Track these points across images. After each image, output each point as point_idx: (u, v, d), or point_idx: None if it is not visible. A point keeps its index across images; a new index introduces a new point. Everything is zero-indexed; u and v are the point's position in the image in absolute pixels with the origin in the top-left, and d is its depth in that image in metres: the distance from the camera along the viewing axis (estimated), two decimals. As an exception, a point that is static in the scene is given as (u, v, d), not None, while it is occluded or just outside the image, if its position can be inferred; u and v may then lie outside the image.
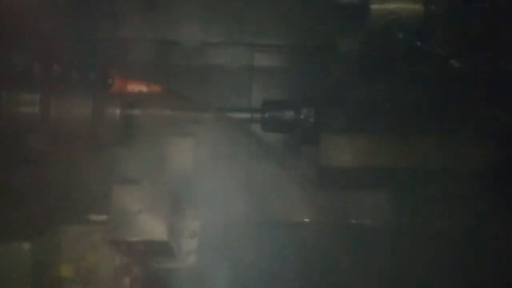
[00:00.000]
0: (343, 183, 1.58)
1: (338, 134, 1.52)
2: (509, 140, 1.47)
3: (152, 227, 1.35)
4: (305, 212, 1.60)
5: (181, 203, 1.45)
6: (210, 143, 1.50)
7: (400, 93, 1.53)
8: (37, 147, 1.38)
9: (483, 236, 1.54)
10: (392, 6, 1.42)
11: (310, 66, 1.60)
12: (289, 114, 1.51)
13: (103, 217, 1.39)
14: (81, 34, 1.52)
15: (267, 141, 1.57)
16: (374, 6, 1.41)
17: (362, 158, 1.52)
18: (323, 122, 1.51)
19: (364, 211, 1.61)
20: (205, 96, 1.55)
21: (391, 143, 1.53)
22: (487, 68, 1.42)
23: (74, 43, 1.48)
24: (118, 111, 1.45)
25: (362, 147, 1.53)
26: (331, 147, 1.52)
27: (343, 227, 1.59)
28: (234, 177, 1.51)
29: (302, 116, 1.51)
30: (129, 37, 1.61)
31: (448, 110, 1.51)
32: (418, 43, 1.41)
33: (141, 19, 1.59)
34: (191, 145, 1.48)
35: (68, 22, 1.47)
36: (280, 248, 1.55)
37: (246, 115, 1.52)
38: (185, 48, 1.63)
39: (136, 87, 1.51)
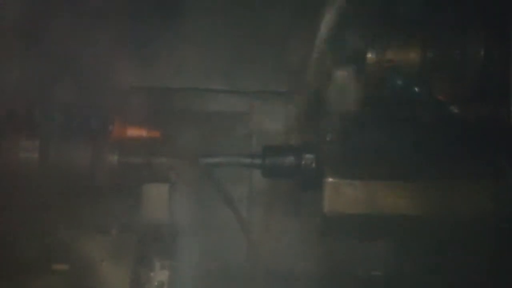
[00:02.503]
0: (346, 231, 1.54)
1: (340, 180, 1.49)
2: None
3: (114, 277, 1.32)
4: (305, 261, 1.56)
5: (151, 252, 1.41)
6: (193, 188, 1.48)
7: (404, 138, 1.51)
8: (34, 192, 1.37)
9: (494, 286, 1.49)
10: (388, 54, 1.43)
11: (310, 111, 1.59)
12: (289, 159, 1.49)
13: (65, 267, 1.35)
14: (82, 81, 1.53)
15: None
16: (370, 55, 1.42)
17: (366, 205, 1.49)
18: (325, 168, 1.49)
19: (369, 261, 1.57)
20: (205, 142, 1.54)
21: (397, 189, 1.49)
22: (487, 114, 1.41)
23: (76, 89, 1.49)
24: (116, 157, 1.44)
25: (366, 193, 1.49)
26: (334, 194, 1.49)
27: (346, 277, 1.55)
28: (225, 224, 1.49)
29: (303, 162, 1.49)
30: (130, 85, 1.62)
31: (454, 155, 1.49)
32: (417, 90, 1.41)
33: (142, 67, 1.61)
34: (166, 191, 1.46)
35: (70, 69, 1.49)
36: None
37: (246, 161, 1.50)
38: (186, 94, 1.63)
39: (136, 133, 1.52)
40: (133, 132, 1.52)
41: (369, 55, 1.43)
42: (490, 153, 1.42)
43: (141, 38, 1.60)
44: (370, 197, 1.47)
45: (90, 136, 1.44)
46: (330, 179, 1.47)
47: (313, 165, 1.48)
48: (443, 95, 1.42)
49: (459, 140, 1.45)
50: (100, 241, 1.36)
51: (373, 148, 1.51)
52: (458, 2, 1.47)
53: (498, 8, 1.38)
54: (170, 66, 1.63)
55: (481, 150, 1.43)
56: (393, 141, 1.49)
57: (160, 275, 1.41)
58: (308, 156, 1.49)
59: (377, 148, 1.51)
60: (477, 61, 1.43)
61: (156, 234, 1.42)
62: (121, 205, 1.43)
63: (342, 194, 1.47)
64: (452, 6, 1.47)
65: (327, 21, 1.43)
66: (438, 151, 1.47)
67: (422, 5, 1.50)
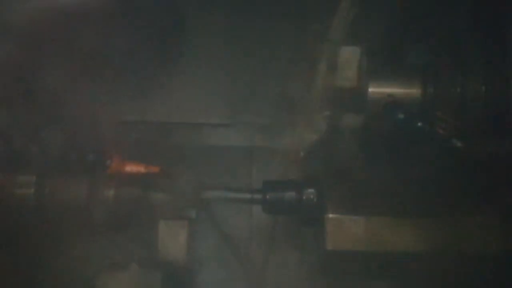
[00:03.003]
0: (348, 269, 1.51)
1: (342, 216, 1.47)
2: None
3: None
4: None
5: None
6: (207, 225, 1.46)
7: (407, 173, 1.49)
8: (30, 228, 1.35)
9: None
10: (389, 88, 1.42)
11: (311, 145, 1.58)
12: (290, 195, 1.47)
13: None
14: (81, 117, 1.52)
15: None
16: (371, 89, 1.41)
17: (368, 242, 1.46)
18: (327, 203, 1.46)
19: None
20: (205, 177, 1.52)
21: (400, 225, 1.47)
22: (491, 149, 1.39)
23: (74, 125, 1.48)
24: (113, 192, 1.42)
25: (369, 230, 1.47)
26: (336, 230, 1.46)
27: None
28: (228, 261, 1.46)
29: (304, 197, 1.47)
30: (130, 120, 1.61)
31: (459, 191, 1.46)
32: (419, 125, 1.40)
33: (141, 101, 1.60)
34: (185, 228, 1.43)
35: (69, 105, 1.48)
36: None
37: (246, 196, 1.48)
38: (186, 129, 1.62)
39: (135, 168, 1.50)
40: (131, 167, 1.50)
41: (370, 90, 1.42)
42: (495, 189, 1.40)
43: (140, 73, 1.60)
44: (374, 233, 1.44)
45: (86, 171, 1.42)
46: (332, 215, 1.45)
47: (315, 200, 1.46)
48: (446, 131, 1.41)
49: (464, 176, 1.43)
50: (119, 277, 1.33)
51: (376, 183, 1.49)
52: (458, 40, 1.47)
53: (498, 45, 1.38)
54: (169, 101, 1.62)
55: (486, 186, 1.41)
56: (396, 176, 1.48)
57: None
58: (310, 191, 1.47)
59: (380, 183, 1.49)
60: (478, 98, 1.42)
61: (173, 270, 1.39)
62: (140, 240, 1.40)
63: (344, 231, 1.45)
64: (452, 44, 1.48)
65: (326, 55, 1.44)
66: (442, 186, 1.45)
67: (423, 42, 1.50)
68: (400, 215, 1.44)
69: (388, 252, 1.45)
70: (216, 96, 1.64)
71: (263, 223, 1.56)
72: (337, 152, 1.53)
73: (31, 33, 1.40)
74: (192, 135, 1.64)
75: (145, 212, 1.45)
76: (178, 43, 1.64)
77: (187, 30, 1.64)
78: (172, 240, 1.41)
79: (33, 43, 1.37)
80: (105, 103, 1.56)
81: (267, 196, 1.47)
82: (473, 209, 1.43)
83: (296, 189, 1.46)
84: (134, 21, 1.54)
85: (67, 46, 1.44)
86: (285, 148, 1.59)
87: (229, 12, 1.63)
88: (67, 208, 1.40)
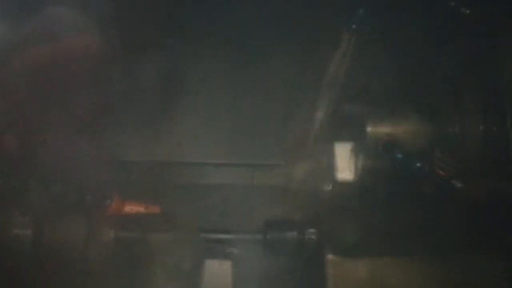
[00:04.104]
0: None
1: (344, 257, 1.44)
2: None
3: None
4: None
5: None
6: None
7: (408, 213, 1.47)
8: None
9: None
10: (387, 128, 1.42)
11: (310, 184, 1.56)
12: (291, 235, 1.45)
13: None
14: (82, 156, 1.51)
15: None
16: (369, 129, 1.40)
17: (371, 284, 1.43)
18: (328, 245, 1.44)
19: None
20: (205, 217, 1.51)
21: (402, 267, 1.44)
22: (491, 189, 1.38)
23: (74, 164, 1.48)
24: (112, 234, 1.40)
25: (371, 271, 1.44)
26: (337, 272, 1.44)
27: None
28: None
29: (305, 237, 1.45)
30: (131, 159, 1.61)
31: (460, 231, 1.44)
32: (418, 164, 1.39)
33: (142, 141, 1.60)
34: (229, 268, 1.42)
35: (69, 144, 1.47)
36: None
37: (247, 236, 1.46)
38: (186, 168, 1.62)
39: (135, 208, 1.49)
40: (132, 207, 1.49)
41: (368, 129, 1.42)
42: (497, 229, 1.38)
43: (141, 113, 1.60)
44: (376, 276, 1.42)
45: (85, 211, 1.41)
46: (333, 257, 1.43)
47: (316, 241, 1.44)
48: (445, 171, 1.40)
49: (465, 216, 1.41)
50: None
51: (378, 223, 1.47)
52: (455, 79, 1.47)
53: (496, 84, 1.38)
54: (170, 141, 1.62)
55: (487, 226, 1.39)
56: (397, 216, 1.46)
57: None
58: (311, 231, 1.45)
59: (382, 224, 1.47)
60: (476, 137, 1.42)
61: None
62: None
63: (346, 273, 1.42)
64: (448, 82, 1.48)
65: (326, 95, 1.44)
66: (443, 226, 1.43)
67: (419, 80, 1.51)
68: (402, 256, 1.43)
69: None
70: (216, 136, 1.63)
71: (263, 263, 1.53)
72: (338, 191, 1.52)
73: (34, 74, 1.40)
74: (193, 174, 1.63)
75: (145, 253, 1.43)
76: (179, 84, 1.65)
77: (188, 71, 1.65)
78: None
79: (32, 84, 1.37)
80: (105, 143, 1.56)
81: (268, 236, 1.45)
82: (474, 249, 1.41)
83: (297, 229, 1.45)
84: (135, 62, 1.55)
85: (68, 87, 1.45)
86: (286, 187, 1.58)
87: (229, 52, 1.64)
88: (65, 249, 1.38)
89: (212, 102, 1.64)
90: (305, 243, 1.45)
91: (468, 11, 1.37)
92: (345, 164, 1.49)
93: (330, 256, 1.43)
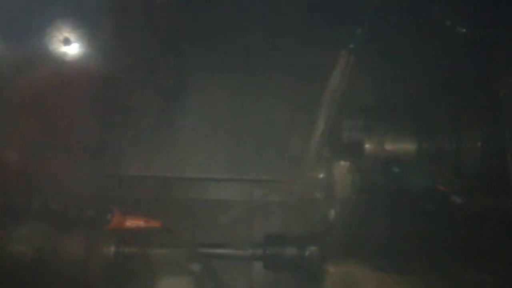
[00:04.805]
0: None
1: (344, 273, 1.44)
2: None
3: None
4: None
5: None
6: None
7: (408, 228, 1.47)
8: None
9: None
10: (385, 144, 1.42)
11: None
12: (292, 251, 1.45)
13: None
14: (83, 171, 1.51)
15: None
16: (368, 145, 1.41)
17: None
18: (328, 259, 1.44)
19: None
20: (205, 232, 1.51)
21: (402, 282, 1.44)
22: (489, 205, 1.38)
23: (75, 180, 1.48)
24: (112, 248, 1.41)
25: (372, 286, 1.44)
26: (336, 287, 1.44)
27: None
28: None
29: (306, 253, 1.44)
30: (132, 175, 1.61)
31: (458, 247, 1.44)
32: (416, 179, 1.39)
33: (144, 157, 1.60)
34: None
35: (70, 160, 1.48)
36: None
37: (247, 252, 1.46)
38: (186, 184, 1.62)
39: (135, 223, 1.49)
40: (132, 222, 1.49)
41: (366, 145, 1.43)
42: (496, 245, 1.37)
43: (142, 129, 1.61)
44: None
45: (86, 226, 1.41)
46: (334, 271, 1.43)
47: (317, 255, 1.44)
48: (443, 186, 1.40)
49: (463, 231, 1.41)
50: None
51: (378, 238, 1.47)
52: (452, 96, 1.47)
53: (493, 101, 1.38)
54: (171, 156, 1.62)
55: (487, 242, 1.38)
56: (396, 232, 1.45)
57: None
58: (312, 247, 1.44)
59: (382, 239, 1.47)
60: (474, 153, 1.42)
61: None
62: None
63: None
64: (446, 100, 1.48)
65: (325, 112, 1.45)
66: (441, 242, 1.43)
67: (417, 98, 1.51)
68: (402, 272, 1.42)
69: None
70: (217, 151, 1.64)
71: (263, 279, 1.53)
72: (338, 207, 1.52)
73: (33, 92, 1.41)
74: (193, 189, 1.63)
75: (145, 268, 1.43)
76: (180, 99, 1.65)
77: (189, 87, 1.66)
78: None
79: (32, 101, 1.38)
80: (106, 158, 1.57)
81: (268, 252, 1.45)
82: (473, 265, 1.40)
83: (298, 245, 1.45)
84: (137, 78, 1.56)
85: (68, 103, 1.45)
86: (286, 203, 1.58)
87: (230, 70, 1.64)
88: (66, 264, 1.38)
89: (212, 118, 1.65)
90: (304, 258, 1.44)
91: (464, 30, 1.37)
92: (344, 180, 1.49)
93: (329, 272, 1.43)
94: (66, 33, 1.39)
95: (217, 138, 1.64)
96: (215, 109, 1.65)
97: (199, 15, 1.58)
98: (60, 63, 1.41)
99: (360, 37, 1.41)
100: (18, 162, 1.37)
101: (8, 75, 1.32)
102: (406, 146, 1.45)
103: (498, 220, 1.35)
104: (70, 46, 1.40)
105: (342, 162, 1.48)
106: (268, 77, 1.64)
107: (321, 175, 1.51)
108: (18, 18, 1.32)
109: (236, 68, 1.64)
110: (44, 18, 1.37)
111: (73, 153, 1.47)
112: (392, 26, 1.45)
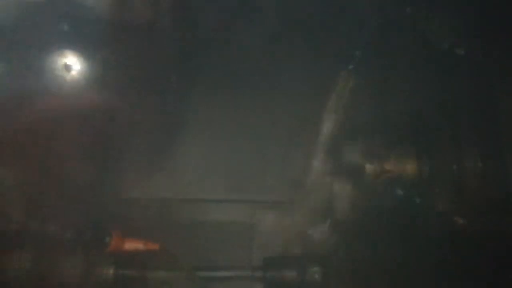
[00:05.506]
0: None
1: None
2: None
3: None
4: None
5: None
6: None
7: (410, 250, 1.46)
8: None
9: None
10: (387, 165, 1.42)
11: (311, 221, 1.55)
12: (292, 273, 1.44)
13: None
14: (82, 194, 1.51)
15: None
16: (368, 166, 1.41)
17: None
18: (330, 282, 1.43)
19: None
20: (205, 253, 1.50)
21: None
22: (492, 227, 1.37)
23: (74, 202, 1.47)
24: (111, 271, 1.39)
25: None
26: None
27: None
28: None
29: (307, 276, 1.43)
30: (131, 197, 1.60)
31: (462, 270, 1.43)
32: (417, 201, 1.39)
33: (143, 179, 1.60)
34: None
35: (70, 182, 1.47)
36: None
37: (247, 274, 1.44)
38: (187, 205, 1.61)
39: (134, 246, 1.48)
40: (131, 244, 1.48)
41: (368, 166, 1.43)
42: (499, 268, 1.36)
43: (142, 150, 1.60)
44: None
45: (84, 248, 1.40)
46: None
47: (318, 278, 1.42)
48: (445, 208, 1.39)
49: (466, 254, 1.39)
50: None
51: (378, 261, 1.46)
52: (452, 117, 1.48)
53: (493, 121, 1.38)
54: (171, 177, 1.62)
55: (489, 265, 1.37)
56: (398, 254, 1.44)
57: None
58: (312, 269, 1.43)
59: (383, 261, 1.46)
60: (475, 175, 1.42)
61: None
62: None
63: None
64: (446, 121, 1.48)
65: (326, 133, 1.45)
66: (444, 264, 1.42)
67: (417, 118, 1.51)
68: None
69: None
70: (217, 172, 1.63)
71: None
72: (339, 228, 1.51)
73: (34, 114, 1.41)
74: (194, 210, 1.63)
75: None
76: (180, 121, 1.65)
77: (188, 108, 1.66)
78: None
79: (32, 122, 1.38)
80: (106, 180, 1.56)
81: (268, 274, 1.44)
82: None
83: (299, 267, 1.44)
84: (137, 100, 1.56)
85: (69, 125, 1.45)
86: (287, 225, 1.57)
87: (229, 90, 1.65)
88: (65, 286, 1.37)
89: (213, 139, 1.65)
90: (305, 281, 1.43)
91: (463, 52, 1.38)
92: (345, 201, 1.49)
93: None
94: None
95: (217, 159, 1.63)
96: (215, 130, 1.65)
97: (198, 39, 1.59)
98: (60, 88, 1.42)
99: (360, 58, 1.41)
100: (16, 184, 1.37)
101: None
102: (406, 167, 1.45)
103: (500, 241, 1.34)
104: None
105: (343, 184, 1.48)
106: (268, 98, 1.64)
107: (322, 196, 1.50)
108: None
109: (237, 89, 1.64)
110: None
111: (72, 176, 1.47)
112: (391, 47, 1.46)
